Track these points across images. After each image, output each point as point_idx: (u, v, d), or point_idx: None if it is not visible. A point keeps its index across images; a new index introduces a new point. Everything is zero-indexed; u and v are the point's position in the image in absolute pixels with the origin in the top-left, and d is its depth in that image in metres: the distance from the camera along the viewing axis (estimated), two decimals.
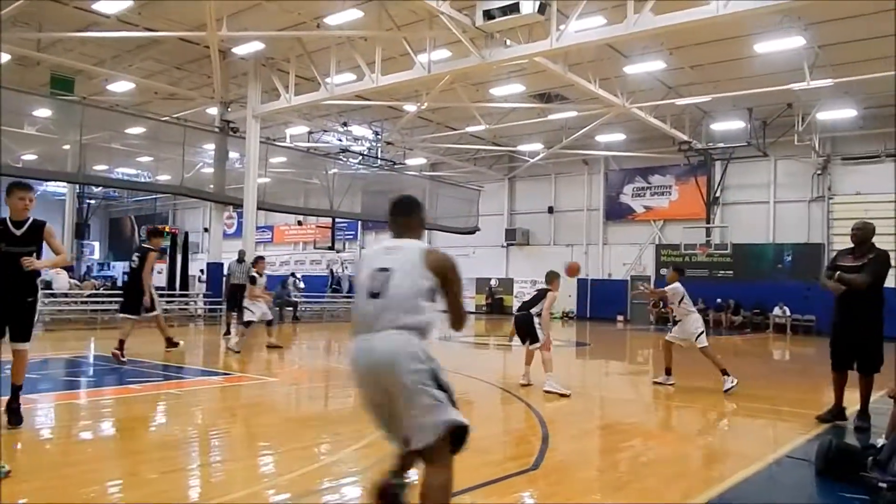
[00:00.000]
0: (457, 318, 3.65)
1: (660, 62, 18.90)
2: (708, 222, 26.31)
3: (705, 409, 8.44)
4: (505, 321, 27.93)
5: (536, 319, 9.66)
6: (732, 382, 9.19)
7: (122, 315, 10.98)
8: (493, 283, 32.84)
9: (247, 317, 13.22)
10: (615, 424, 7.19)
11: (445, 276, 3.51)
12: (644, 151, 27.49)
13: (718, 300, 25.80)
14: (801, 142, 23.43)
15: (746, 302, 25.72)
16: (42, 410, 7.25)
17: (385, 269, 3.51)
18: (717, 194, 26.84)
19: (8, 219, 5.91)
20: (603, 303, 29.48)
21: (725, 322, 25.44)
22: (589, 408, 8.30)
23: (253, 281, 13.51)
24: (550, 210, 32.03)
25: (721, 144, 24.86)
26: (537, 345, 9.66)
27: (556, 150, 27.66)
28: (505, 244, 33.02)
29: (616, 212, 30.10)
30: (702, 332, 9.76)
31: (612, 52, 18.55)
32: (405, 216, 3.94)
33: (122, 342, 10.30)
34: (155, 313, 10.86)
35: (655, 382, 10.01)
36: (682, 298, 10.00)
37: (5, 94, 20.77)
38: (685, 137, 24.59)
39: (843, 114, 22.30)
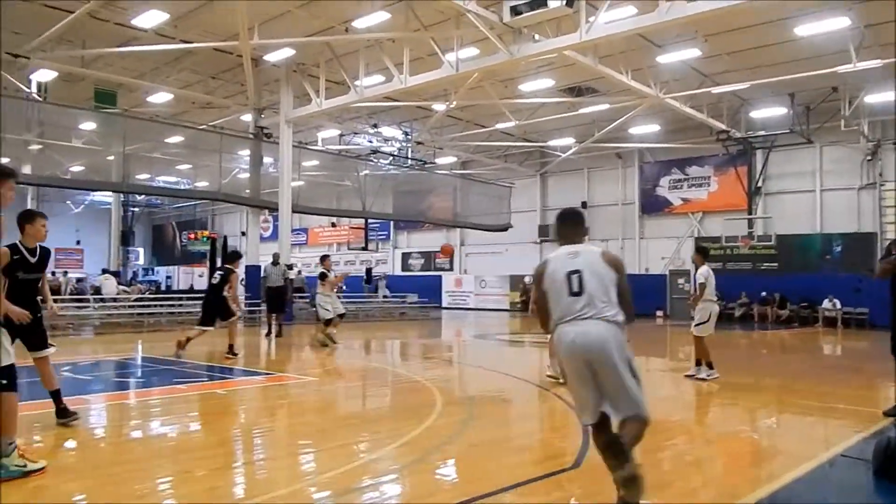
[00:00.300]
0: (630, 308, 4.41)
1: (694, 50, 18.63)
2: (750, 213, 25.90)
3: (752, 407, 8.27)
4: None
5: None
6: (709, 375, 9.46)
7: (199, 327, 11.97)
8: (527, 280, 32.70)
9: (323, 315, 13.93)
10: (657, 423, 7.01)
11: (619, 270, 4.38)
12: (680, 142, 27.12)
13: (763, 294, 25.17)
14: (848, 127, 22.53)
15: (793, 295, 24.77)
16: (94, 410, 7.54)
17: (576, 272, 4.31)
18: (759, 184, 26.33)
19: (22, 245, 5.83)
20: (641, 298, 28.57)
21: (771, 316, 24.65)
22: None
23: (323, 277, 14.24)
24: (584, 205, 31.75)
25: (762, 132, 24.43)
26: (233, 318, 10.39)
27: (588, 144, 27.51)
28: (538, 240, 32.91)
29: (652, 205, 29.80)
30: (705, 323, 9.66)
31: (643, 42, 18.39)
32: (575, 225, 4.70)
33: (188, 340, 11.68)
34: (233, 319, 11.87)
35: (690, 376, 9.81)
36: (704, 285, 9.76)
37: (54, 109, 21.53)
38: (723, 126, 24.21)
39: (892, 96, 20.97)
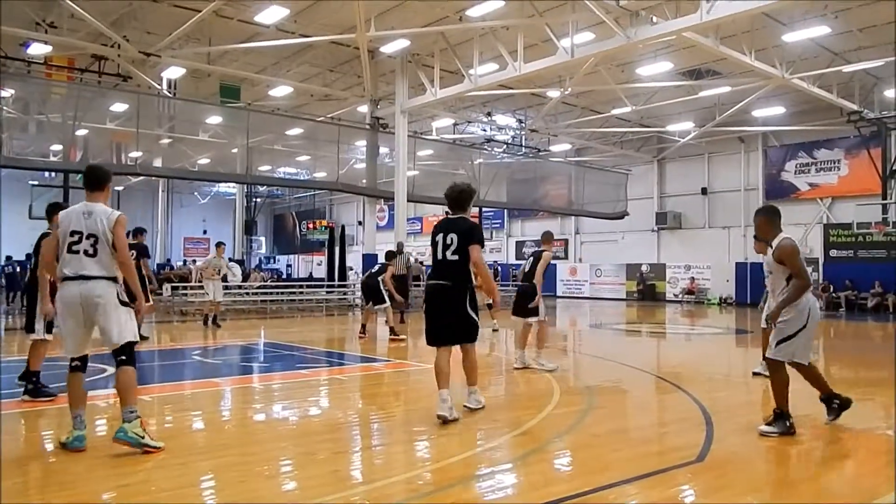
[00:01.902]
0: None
1: (823, 27, 17.52)
2: (884, 198, 24.06)
3: (887, 403, 7.75)
4: (658, 308, 27.13)
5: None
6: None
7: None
8: (644, 268, 31.90)
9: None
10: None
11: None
12: (808, 125, 25.57)
13: None
14: None
15: None
16: (222, 393, 7.94)
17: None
18: (895, 167, 24.48)
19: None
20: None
21: None
22: (754, 399, 7.87)
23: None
24: (704, 191, 30.62)
25: None
26: (533, 318, 9.37)
27: (709, 128, 26.42)
28: (656, 228, 31.96)
29: (777, 191, 28.24)
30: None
31: (768, 20, 17.46)
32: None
33: (392, 328, 13.15)
34: (384, 306, 13.29)
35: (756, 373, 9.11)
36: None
37: (183, 105, 22.91)
38: (855, 107, 22.67)
39: None
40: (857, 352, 13.31)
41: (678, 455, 5.17)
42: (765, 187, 28.60)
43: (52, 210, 6.43)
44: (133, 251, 12.45)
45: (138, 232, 12.93)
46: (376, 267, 13.93)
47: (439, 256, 6.27)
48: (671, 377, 9.18)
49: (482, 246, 6.28)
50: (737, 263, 28.81)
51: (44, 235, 6.87)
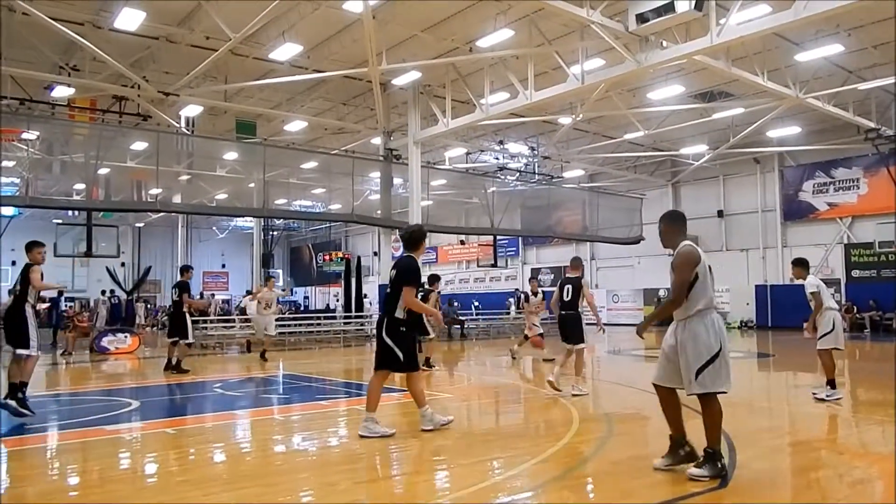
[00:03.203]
0: None
1: (837, 46, 17.42)
2: None
3: None
4: None
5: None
6: (829, 395, 8.69)
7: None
8: (661, 293, 31.66)
9: (534, 332, 15.18)
10: (809, 441, 6.65)
11: None
12: (824, 144, 25.44)
13: None
14: None
15: None
16: (241, 425, 7.97)
17: (710, 266, 5.25)
18: None
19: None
20: (785, 310, 27.38)
21: None
22: (778, 423, 7.80)
23: (527, 298, 15.54)
24: (720, 214, 30.50)
25: None
26: (583, 345, 10.02)
27: (723, 150, 26.39)
28: (673, 252, 31.76)
29: (795, 211, 28.09)
30: (829, 332, 8.91)
31: (780, 40, 17.49)
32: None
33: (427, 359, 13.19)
34: (429, 337, 13.55)
35: (817, 398, 8.88)
36: (817, 292, 9.01)
37: (201, 141, 23.30)
38: (872, 124, 22.55)
39: None
40: (883, 374, 13.09)
41: (700, 482, 5.11)
42: (782, 208, 28.44)
43: (33, 245, 8.33)
44: (176, 288, 13.10)
45: (184, 270, 13.98)
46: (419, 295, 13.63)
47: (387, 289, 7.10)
48: (692, 403, 9.05)
49: (413, 286, 6.96)
50: (756, 286, 28.57)
51: (28, 266, 8.20)
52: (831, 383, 8.80)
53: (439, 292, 14.45)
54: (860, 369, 14.70)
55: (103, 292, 22.91)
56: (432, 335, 13.38)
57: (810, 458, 6.18)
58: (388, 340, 6.83)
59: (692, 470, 5.11)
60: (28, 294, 8.04)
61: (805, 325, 9.33)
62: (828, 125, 24.30)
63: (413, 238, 7.21)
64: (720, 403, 5.17)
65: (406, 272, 6.94)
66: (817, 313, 8.94)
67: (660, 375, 5.41)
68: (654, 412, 8.75)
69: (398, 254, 26.53)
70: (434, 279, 14.24)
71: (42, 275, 8.17)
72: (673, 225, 5.54)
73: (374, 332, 7.20)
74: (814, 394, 8.88)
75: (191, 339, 13.69)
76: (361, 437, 6.69)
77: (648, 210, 31.49)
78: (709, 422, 5.18)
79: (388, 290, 7.03)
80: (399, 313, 6.87)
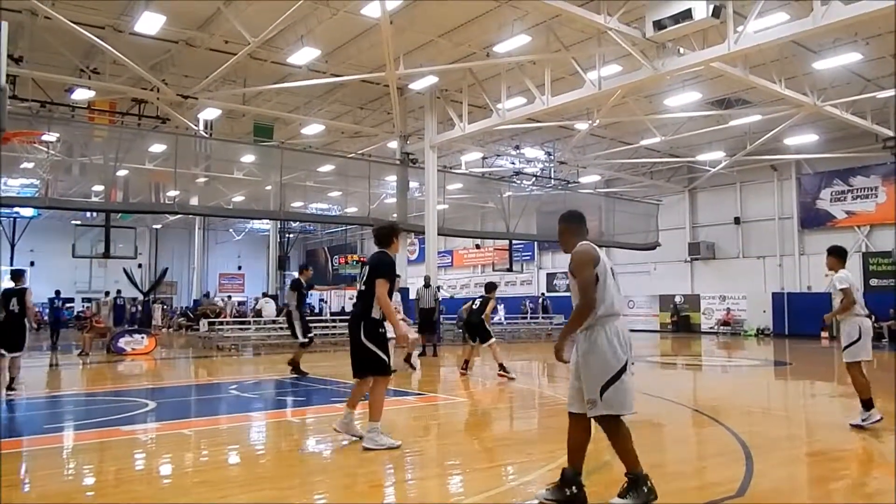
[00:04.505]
0: None
1: (855, 54, 17.36)
2: None
3: None
4: (693, 340, 26.74)
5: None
6: (865, 420, 7.28)
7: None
8: (677, 299, 31.53)
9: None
10: (828, 451, 6.57)
11: None
12: (842, 152, 25.23)
13: None
14: None
15: None
16: (256, 427, 8.00)
17: (612, 269, 4.77)
18: None
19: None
20: (803, 318, 27.13)
21: None
22: (795, 432, 7.72)
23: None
24: (737, 221, 30.30)
25: None
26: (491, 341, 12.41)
27: (740, 157, 26.23)
28: (689, 258, 31.65)
29: (813, 219, 27.86)
30: (856, 342, 7.54)
31: (797, 48, 17.41)
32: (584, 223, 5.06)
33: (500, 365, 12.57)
34: (491, 341, 13.00)
35: (853, 425, 7.45)
36: (848, 290, 7.54)
37: (219, 144, 23.47)
38: (891, 133, 22.33)
39: None
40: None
41: (718, 490, 5.08)
42: (800, 216, 28.21)
43: (21, 274, 11.27)
44: (294, 290, 13.30)
45: (302, 269, 14.99)
46: (478, 302, 13.23)
47: (358, 288, 6.75)
48: (708, 410, 9.03)
49: (388, 280, 6.49)
50: (773, 294, 28.34)
51: (23, 291, 10.68)
52: (866, 404, 7.37)
53: (494, 299, 14.03)
54: (879, 379, 14.52)
55: (107, 293, 23.02)
56: (493, 339, 12.85)
57: (829, 468, 6.12)
58: (369, 344, 6.44)
59: (615, 501, 4.50)
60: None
61: (825, 316, 8.28)
62: (846, 133, 24.11)
63: (386, 234, 6.79)
64: (626, 424, 4.58)
65: (379, 265, 6.55)
66: (843, 313, 7.57)
67: (570, 399, 4.76)
68: (669, 420, 8.75)
69: (413, 257, 26.44)
70: (491, 287, 13.66)
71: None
72: (569, 225, 5.01)
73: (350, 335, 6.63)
74: (851, 424, 7.41)
75: (301, 339, 13.58)
76: (366, 449, 6.35)
77: (665, 216, 31.40)
78: (620, 447, 4.60)
79: (363, 288, 6.57)
80: (376, 313, 6.47)
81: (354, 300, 6.69)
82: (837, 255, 7.81)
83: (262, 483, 5.38)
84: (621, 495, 4.51)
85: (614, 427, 4.54)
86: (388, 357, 6.60)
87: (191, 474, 5.82)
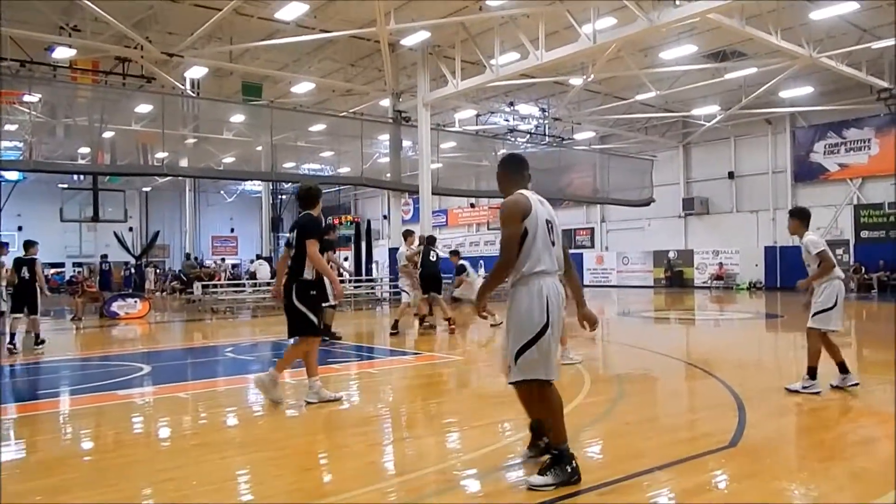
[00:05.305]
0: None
1: (852, 3, 17.10)
2: None
3: None
4: (686, 294, 26.90)
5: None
6: (814, 388, 6.77)
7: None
8: (671, 255, 31.64)
9: None
10: (820, 402, 6.66)
11: None
12: (837, 104, 25.13)
13: None
14: None
15: None
16: (253, 389, 8.01)
17: (550, 222, 4.20)
18: None
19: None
20: (795, 271, 26.75)
21: None
22: (786, 383, 7.77)
23: None
24: (731, 175, 30.25)
25: None
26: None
27: (735, 110, 26.08)
28: (683, 214, 31.67)
29: (806, 172, 27.83)
30: (829, 309, 6.93)
31: None
32: (526, 169, 4.49)
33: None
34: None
35: (789, 390, 6.93)
36: (824, 252, 6.98)
37: (207, 104, 23.12)
38: (886, 84, 22.27)
39: None
40: (889, 334, 13.07)
41: (711, 441, 5.14)
42: (793, 169, 28.17)
43: (32, 244, 12.10)
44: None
45: (330, 229, 13.81)
46: (433, 256, 13.53)
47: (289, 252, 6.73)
48: (702, 363, 9.11)
49: (318, 239, 6.53)
50: (766, 248, 28.45)
51: (32, 261, 11.83)
52: (812, 372, 6.86)
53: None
54: (868, 330, 14.70)
55: (104, 256, 22.91)
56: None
57: (819, 418, 6.21)
58: (301, 306, 6.48)
59: (533, 478, 4.10)
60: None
61: (799, 282, 7.54)
62: (840, 85, 23.94)
63: (310, 196, 6.85)
64: (557, 391, 4.24)
65: (307, 225, 6.58)
66: (822, 278, 7.02)
67: (499, 364, 4.67)
68: (663, 373, 8.83)
69: (407, 217, 26.22)
70: (454, 254, 14.18)
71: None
72: (506, 170, 4.52)
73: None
74: (787, 388, 6.95)
75: (331, 301, 13.47)
76: (308, 403, 6.59)
77: (659, 172, 31.31)
78: (543, 417, 4.32)
79: (293, 251, 6.59)
80: (308, 274, 6.49)
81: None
82: (800, 217, 7.23)
83: (259, 444, 5.40)
84: (541, 472, 4.13)
85: (535, 394, 4.23)
86: (318, 318, 6.68)
87: (189, 437, 5.84)
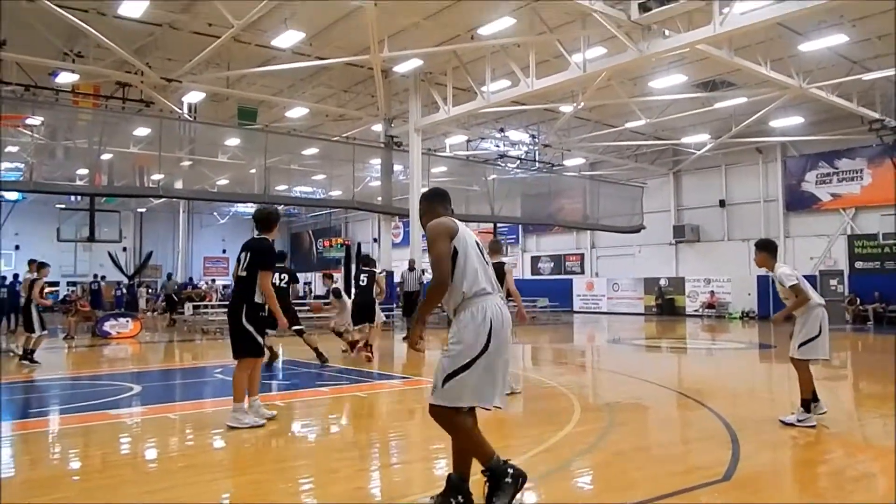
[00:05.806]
0: None
1: (841, 36, 17.29)
2: None
3: None
4: (678, 323, 26.94)
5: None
6: (808, 422, 6.64)
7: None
8: (662, 282, 31.72)
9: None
10: (812, 434, 6.65)
11: None
12: (828, 134, 25.32)
13: None
14: None
15: None
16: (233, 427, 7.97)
17: (479, 244, 4.20)
18: None
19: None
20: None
21: None
22: (780, 414, 7.78)
23: None
24: (722, 203, 30.43)
25: None
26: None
27: (725, 139, 26.32)
28: (673, 241, 31.79)
29: (798, 201, 28.01)
30: (814, 339, 6.85)
31: (783, 30, 17.36)
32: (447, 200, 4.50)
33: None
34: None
35: (784, 423, 6.83)
36: (798, 285, 6.87)
37: (203, 128, 23.30)
38: (876, 115, 22.46)
39: None
40: (885, 366, 13.12)
41: (704, 473, 5.12)
42: (785, 198, 28.34)
43: (43, 265, 12.84)
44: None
45: (282, 257, 13.17)
46: (364, 279, 12.67)
47: (237, 273, 6.76)
48: (694, 393, 9.11)
49: (270, 270, 6.67)
50: (758, 276, 28.53)
51: (34, 281, 12.53)
52: (806, 404, 6.77)
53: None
54: (863, 361, 14.74)
55: (103, 277, 22.90)
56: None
57: (814, 451, 6.18)
58: (249, 327, 6.57)
59: None
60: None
61: (774, 317, 7.43)
62: (831, 115, 24.18)
63: (269, 219, 6.88)
64: (467, 417, 4.10)
65: (260, 254, 6.63)
66: (798, 309, 6.91)
67: None
68: (654, 403, 8.83)
69: (397, 240, 26.29)
70: (369, 260, 13.59)
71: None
72: (429, 204, 4.46)
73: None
74: (782, 420, 6.86)
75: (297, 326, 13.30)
76: (231, 428, 6.53)
77: (650, 199, 31.50)
78: (459, 446, 4.21)
79: (243, 273, 6.61)
80: (259, 298, 6.58)
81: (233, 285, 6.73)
82: (767, 250, 7.14)
83: (247, 467, 5.39)
84: (488, 500, 4.01)
85: (450, 421, 4.06)
86: (263, 340, 6.77)
87: (177, 458, 5.81)
